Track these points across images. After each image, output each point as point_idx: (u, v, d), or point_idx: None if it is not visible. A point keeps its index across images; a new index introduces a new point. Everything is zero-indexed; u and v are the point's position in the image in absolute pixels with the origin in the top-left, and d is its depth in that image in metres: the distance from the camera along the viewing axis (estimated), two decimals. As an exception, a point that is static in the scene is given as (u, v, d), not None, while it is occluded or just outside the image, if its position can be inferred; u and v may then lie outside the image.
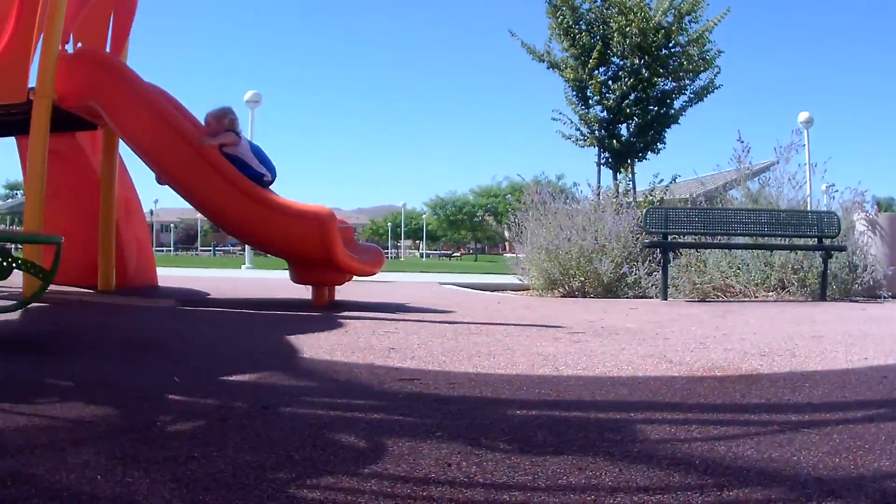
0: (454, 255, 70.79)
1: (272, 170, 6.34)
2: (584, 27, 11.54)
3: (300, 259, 6.10)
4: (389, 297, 7.81)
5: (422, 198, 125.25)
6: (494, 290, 9.61)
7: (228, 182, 5.88)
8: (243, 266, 20.23)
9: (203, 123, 6.31)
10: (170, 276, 10.32)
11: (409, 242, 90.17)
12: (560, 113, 11.85)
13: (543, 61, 11.85)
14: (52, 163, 7.35)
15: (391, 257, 78.93)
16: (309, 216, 5.80)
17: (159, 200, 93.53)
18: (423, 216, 75.54)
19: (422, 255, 67.61)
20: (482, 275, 14.45)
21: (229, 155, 6.07)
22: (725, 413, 2.46)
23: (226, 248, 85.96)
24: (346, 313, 5.52)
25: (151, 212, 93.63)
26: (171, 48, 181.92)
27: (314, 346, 3.80)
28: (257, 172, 6.16)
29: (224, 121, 6.21)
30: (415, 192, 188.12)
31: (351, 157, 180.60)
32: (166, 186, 6.10)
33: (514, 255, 10.13)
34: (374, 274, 6.71)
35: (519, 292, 9.32)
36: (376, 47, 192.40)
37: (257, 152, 6.30)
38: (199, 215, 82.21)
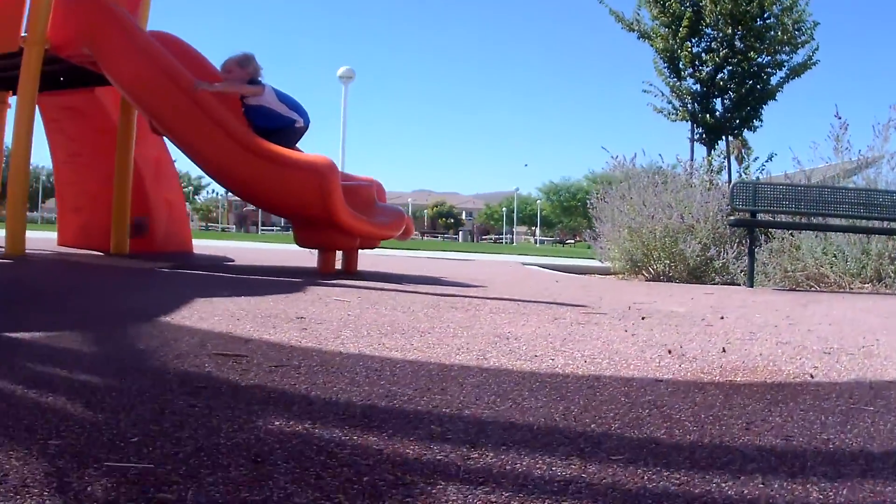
0: (568, 241, 69.32)
1: (304, 115, 5.66)
2: None
3: (301, 218, 5.35)
4: (438, 272, 7.02)
5: (536, 183, 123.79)
6: (581, 273, 8.85)
7: (222, 130, 5.16)
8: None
9: (221, 70, 5.63)
10: (216, 245, 9.83)
11: (524, 228, 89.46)
12: (651, 84, 11.11)
13: (633, 30, 11.11)
14: (71, 120, 6.92)
15: (505, 242, 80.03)
16: (305, 166, 5.00)
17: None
18: (538, 202, 74.67)
19: (536, 242, 66.94)
20: (582, 259, 13.54)
21: (253, 105, 5.45)
22: (673, 472, 1.25)
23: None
24: (345, 282, 4.72)
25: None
26: (268, 29, 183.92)
27: (210, 310, 3.00)
28: (287, 119, 5.52)
29: (248, 68, 5.51)
30: (533, 177, 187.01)
31: (470, 143, 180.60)
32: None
33: (596, 232, 9.29)
34: (390, 237, 5.88)
35: (607, 277, 8.43)
36: (486, 36, 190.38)
37: (285, 99, 5.60)
38: None
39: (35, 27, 5.45)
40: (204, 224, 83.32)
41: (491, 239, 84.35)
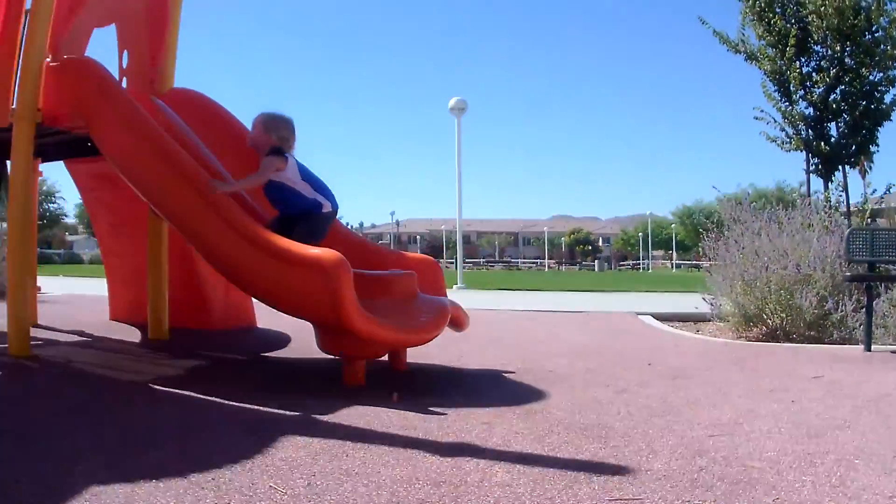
0: (703, 265, 66.61)
1: (332, 199, 4.81)
2: (777, 9, 9.95)
3: (313, 320, 4.50)
4: (521, 347, 6.24)
5: (672, 205, 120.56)
6: (697, 321, 8.63)
7: (221, 220, 4.42)
8: (455, 286, 19.06)
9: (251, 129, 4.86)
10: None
11: (661, 252, 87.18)
12: (762, 111, 10.31)
13: (739, 52, 10.36)
14: (107, 189, 6.49)
15: (642, 268, 78.07)
16: (310, 263, 4.07)
17: (396, 212, 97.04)
18: (672, 226, 72.69)
19: (673, 267, 64.95)
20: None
21: (275, 182, 4.65)
22: None
23: (476, 260, 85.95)
24: (359, 412, 3.62)
25: (397, 223, 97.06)
26: (381, 55, 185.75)
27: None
28: (311, 202, 4.70)
29: (272, 134, 4.70)
30: (666, 199, 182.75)
31: (608, 163, 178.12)
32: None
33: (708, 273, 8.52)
34: (424, 341, 4.71)
35: (715, 337, 7.49)
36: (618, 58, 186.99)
37: (310, 178, 4.78)
38: (444, 226, 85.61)
39: (23, 99, 4.93)
40: None
41: (629, 265, 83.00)
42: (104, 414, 3.59)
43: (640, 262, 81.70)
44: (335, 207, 4.83)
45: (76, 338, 6.23)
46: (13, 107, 4.96)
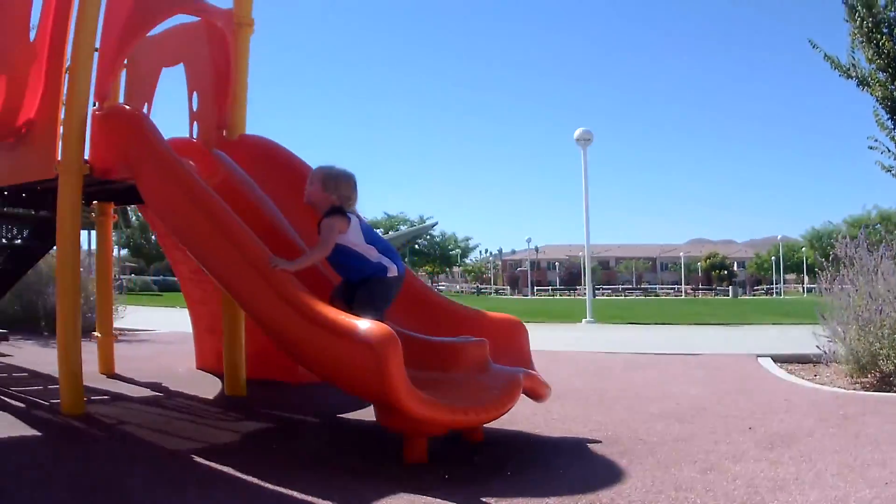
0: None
1: (398, 262, 4.36)
2: (885, 30, 9.15)
3: (363, 397, 4.12)
4: (609, 403, 5.68)
5: (800, 229, 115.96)
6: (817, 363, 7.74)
7: (267, 283, 4.05)
8: (584, 320, 18.34)
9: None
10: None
11: (793, 276, 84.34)
12: (875, 139, 9.55)
13: (851, 77, 9.53)
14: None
15: (775, 293, 75.29)
16: (357, 338, 3.61)
17: (535, 239, 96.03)
18: (802, 249, 70.07)
19: (804, 291, 62.22)
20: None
21: (335, 246, 4.22)
22: None
23: (614, 286, 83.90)
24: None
25: (536, 249, 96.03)
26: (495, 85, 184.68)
27: None
28: (376, 266, 4.26)
29: (331, 194, 4.28)
30: (798, 222, 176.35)
31: (742, 186, 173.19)
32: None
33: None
34: (486, 421, 4.13)
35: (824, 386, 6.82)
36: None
37: (376, 240, 4.38)
38: (582, 252, 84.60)
39: (68, 152, 4.73)
40: (476, 286, 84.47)
41: (762, 290, 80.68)
42: (131, 496, 3.26)
43: (773, 286, 78.99)
44: (401, 272, 4.38)
45: (147, 392, 6.01)
46: (59, 158, 4.77)
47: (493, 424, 4.41)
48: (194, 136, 6.10)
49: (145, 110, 6.57)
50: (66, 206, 4.74)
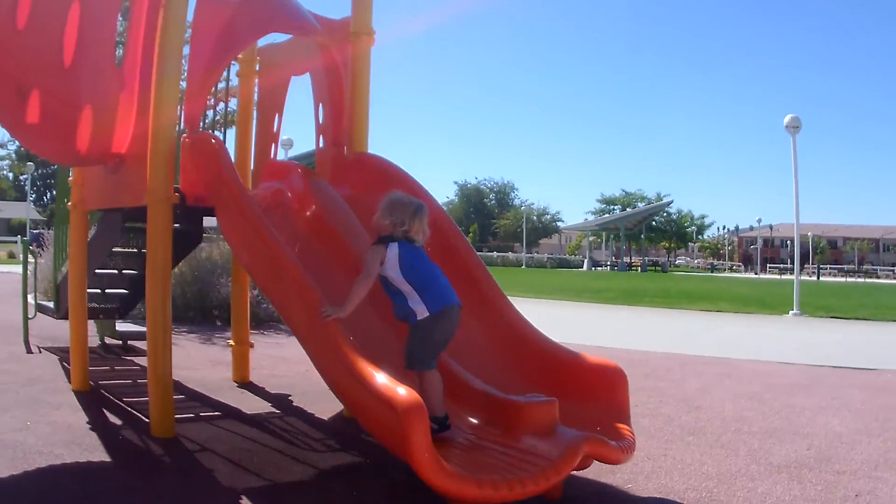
0: None
1: (441, 294, 4.05)
2: None
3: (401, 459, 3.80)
4: (737, 445, 5.14)
5: None
6: None
7: (321, 333, 3.94)
8: (790, 312, 17.20)
9: None
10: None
11: None
12: None
13: None
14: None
15: None
16: (383, 399, 3.41)
17: (769, 217, 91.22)
18: None
19: None
20: None
21: (382, 276, 4.07)
22: None
23: (840, 266, 78.05)
24: None
25: (770, 227, 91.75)
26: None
27: None
28: (407, 310, 4.03)
29: (384, 219, 4.09)
30: None
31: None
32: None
33: None
34: (525, 497, 3.53)
35: None
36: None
37: (419, 271, 4.07)
38: (811, 232, 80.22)
39: (155, 181, 4.76)
40: (710, 263, 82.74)
41: None
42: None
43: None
44: (446, 304, 4.04)
45: (265, 407, 6.02)
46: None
47: (584, 473, 4.12)
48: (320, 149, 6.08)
49: (276, 121, 6.62)
50: (157, 234, 4.80)
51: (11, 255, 35.67)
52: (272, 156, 6.70)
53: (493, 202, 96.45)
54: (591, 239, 71.25)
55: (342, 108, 5.65)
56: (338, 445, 5.04)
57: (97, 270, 6.74)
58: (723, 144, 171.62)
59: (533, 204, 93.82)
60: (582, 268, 62.29)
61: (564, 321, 14.21)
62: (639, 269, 60.34)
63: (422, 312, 3.98)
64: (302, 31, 5.36)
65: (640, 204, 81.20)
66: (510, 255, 69.30)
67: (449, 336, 4.08)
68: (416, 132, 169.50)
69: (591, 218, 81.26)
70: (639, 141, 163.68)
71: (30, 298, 8.68)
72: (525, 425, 3.85)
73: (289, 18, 5.15)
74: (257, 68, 6.82)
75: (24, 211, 60.14)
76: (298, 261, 4.20)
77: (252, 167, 6.75)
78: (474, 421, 4.16)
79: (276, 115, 6.65)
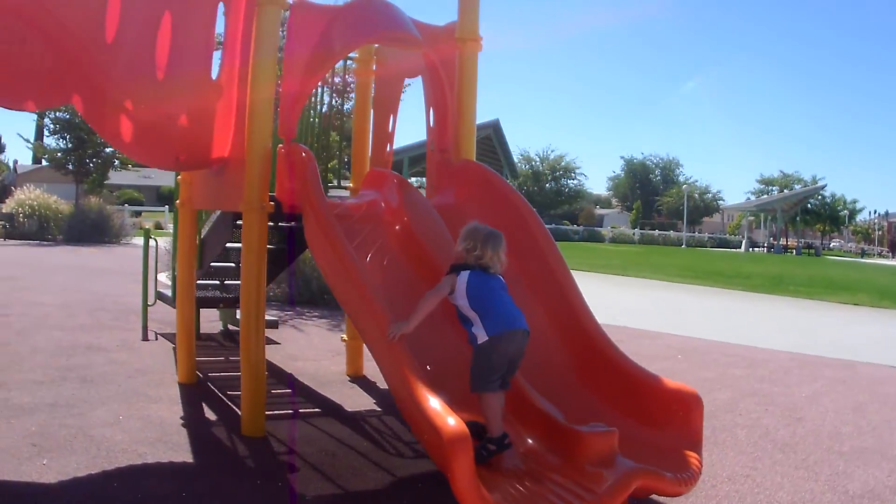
0: None
1: (504, 322, 4.01)
2: None
3: None
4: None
5: None
6: None
7: (389, 351, 3.99)
8: None
9: None
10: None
11: None
12: None
13: None
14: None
15: None
16: (429, 429, 3.47)
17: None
18: None
19: None
20: None
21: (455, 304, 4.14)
22: None
23: None
24: None
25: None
26: None
27: None
28: (470, 336, 4.07)
29: (459, 246, 4.17)
30: None
31: None
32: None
33: None
34: None
35: None
36: None
37: (486, 298, 4.06)
38: None
39: (249, 190, 4.91)
40: (861, 247, 79.20)
41: None
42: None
43: None
44: (506, 328, 4.00)
45: (368, 404, 6.10)
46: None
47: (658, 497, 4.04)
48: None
49: (390, 122, 6.66)
50: (252, 240, 4.94)
51: (158, 226, 36.45)
52: (388, 154, 6.75)
53: (658, 178, 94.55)
54: (749, 220, 68.96)
55: (446, 114, 5.63)
56: (423, 450, 5.05)
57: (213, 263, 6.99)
58: (875, 127, 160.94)
59: (697, 181, 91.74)
60: (740, 248, 60.43)
61: (702, 313, 14.04)
62: (793, 251, 57.76)
63: (482, 336, 4.00)
64: (401, 43, 5.35)
65: (796, 186, 78.58)
66: (671, 233, 67.84)
67: (513, 359, 4.07)
68: (582, 105, 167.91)
69: (751, 198, 79.31)
70: (797, 121, 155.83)
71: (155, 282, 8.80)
72: (583, 456, 3.80)
73: (387, 29, 5.15)
74: (374, 67, 6.87)
75: (172, 178, 61.92)
76: (370, 279, 4.23)
77: (368, 167, 6.83)
78: (533, 444, 4.13)
79: (391, 116, 6.69)
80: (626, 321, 11.55)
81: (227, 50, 5.12)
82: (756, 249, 60.33)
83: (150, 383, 6.26)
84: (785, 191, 75.91)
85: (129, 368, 6.75)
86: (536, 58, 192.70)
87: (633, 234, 64.83)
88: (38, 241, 24.14)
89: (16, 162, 67.22)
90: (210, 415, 5.58)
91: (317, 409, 5.91)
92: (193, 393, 6.10)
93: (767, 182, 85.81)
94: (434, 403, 3.53)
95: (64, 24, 4.48)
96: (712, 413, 6.08)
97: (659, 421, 4.14)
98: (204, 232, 7.18)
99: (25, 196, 26.39)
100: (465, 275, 4.06)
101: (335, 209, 4.90)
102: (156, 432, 5.00)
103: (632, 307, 14.20)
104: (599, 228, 66.57)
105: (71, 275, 14.28)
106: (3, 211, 26.75)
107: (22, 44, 4.46)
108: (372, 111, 6.89)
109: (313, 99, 7.45)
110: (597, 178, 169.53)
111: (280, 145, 5.04)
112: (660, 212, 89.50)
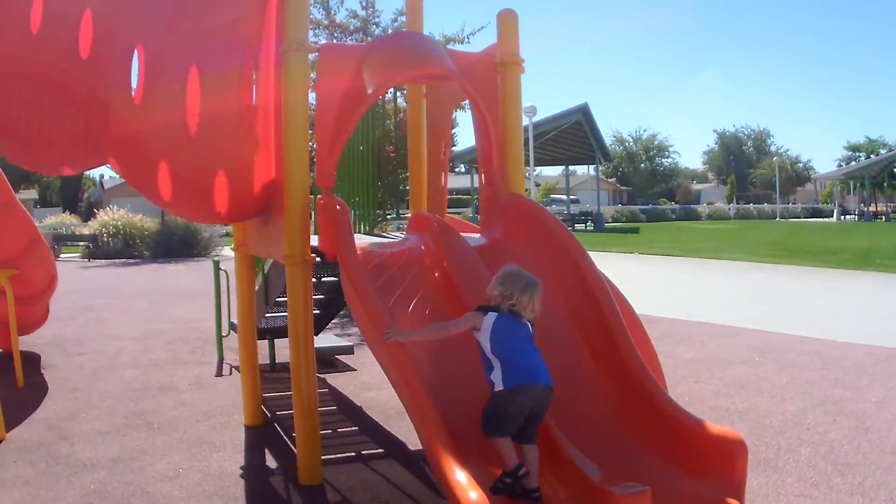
0: None
1: (523, 374, 3.83)
2: None
3: None
4: None
5: None
6: None
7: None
8: None
9: None
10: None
11: None
12: None
13: None
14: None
15: None
16: (455, 497, 3.34)
17: None
18: None
19: None
20: None
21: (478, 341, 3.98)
22: None
23: None
24: None
25: None
26: None
27: None
28: (488, 379, 3.90)
29: (493, 289, 4.01)
30: None
31: None
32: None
33: None
34: None
35: None
36: None
37: (511, 344, 3.89)
38: None
39: (291, 245, 4.86)
40: None
41: None
42: None
43: None
44: (524, 382, 3.81)
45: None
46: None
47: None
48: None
49: (443, 149, 6.54)
50: (297, 293, 4.87)
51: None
52: (442, 185, 6.64)
53: (750, 149, 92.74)
54: (838, 188, 66.90)
55: (490, 147, 5.41)
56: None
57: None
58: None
59: (788, 150, 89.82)
60: (832, 217, 58.85)
61: (786, 298, 13.69)
62: (882, 218, 55.64)
63: (498, 385, 3.84)
64: (436, 78, 5.21)
65: (882, 151, 76.03)
66: (766, 206, 66.57)
67: (534, 413, 3.87)
68: (672, 80, 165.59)
69: (842, 165, 77.32)
70: (885, 84, 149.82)
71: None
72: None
73: (420, 66, 5.00)
74: (424, 90, 6.75)
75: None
76: (398, 338, 4.04)
77: (425, 195, 6.74)
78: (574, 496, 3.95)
79: (444, 144, 6.56)
80: (708, 315, 11.39)
81: (261, 100, 5.06)
82: (847, 217, 58.51)
83: (215, 427, 6.27)
84: (872, 156, 73.55)
85: (198, 411, 6.78)
86: (621, 37, 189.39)
87: (729, 209, 63.65)
88: (124, 260, 24.63)
89: (101, 177, 69.09)
90: (272, 461, 5.54)
91: (380, 450, 5.82)
92: (259, 436, 6.08)
93: (854, 148, 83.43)
94: (459, 476, 3.40)
95: (94, 92, 4.51)
96: (780, 429, 5.98)
97: (701, 468, 3.90)
98: (267, 267, 7.16)
99: (109, 217, 27.03)
100: (492, 316, 3.90)
101: (376, 259, 4.81)
102: (213, 485, 4.99)
103: (716, 296, 13.97)
104: (696, 206, 65.40)
105: (153, 299, 14.50)
106: (87, 232, 27.42)
107: (55, 114, 4.51)
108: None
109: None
110: (692, 153, 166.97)
111: (319, 196, 4.95)
112: (755, 184, 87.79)
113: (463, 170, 49.41)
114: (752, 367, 8.23)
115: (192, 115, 4.70)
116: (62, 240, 27.48)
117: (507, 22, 5.54)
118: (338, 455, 5.55)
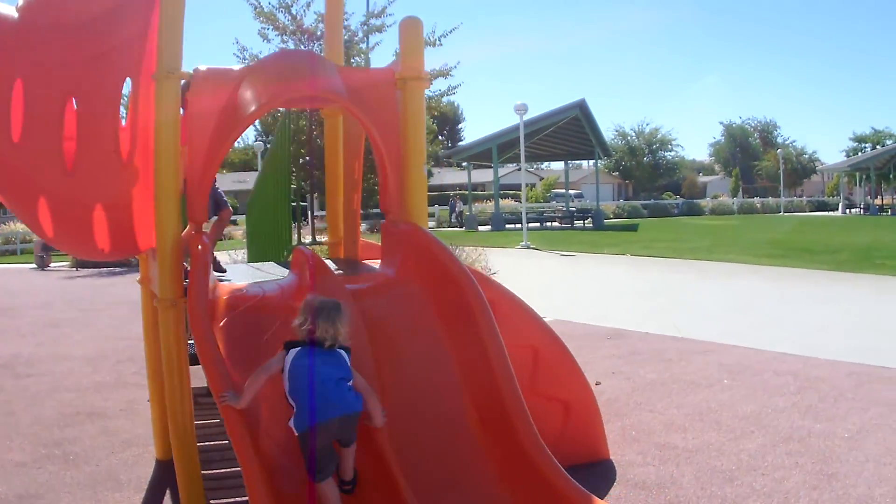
0: None
1: (311, 416, 3.67)
2: None
3: None
4: None
5: None
6: None
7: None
8: None
9: None
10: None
11: None
12: None
13: None
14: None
15: None
16: None
17: None
18: None
19: None
20: None
21: None
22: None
23: None
24: None
25: None
26: None
27: None
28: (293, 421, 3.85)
29: (294, 323, 3.88)
30: None
31: None
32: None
33: None
34: None
35: None
36: None
37: (302, 382, 3.76)
38: None
39: (162, 287, 4.60)
40: None
41: None
42: None
43: None
44: (311, 424, 3.63)
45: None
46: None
47: None
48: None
49: (356, 168, 6.33)
50: (169, 339, 4.63)
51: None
52: (355, 206, 6.42)
53: (756, 141, 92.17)
54: (844, 180, 66.18)
55: (385, 171, 5.14)
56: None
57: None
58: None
59: (794, 142, 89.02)
60: (837, 210, 58.22)
61: (774, 308, 13.15)
62: (889, 211, 54.95)
63: (295, 431, 3.72)
64: (320, 102, 4.95)
65: (888, 142, 75.22)
66: (770, 200, 65.97)
67: (337, 437, 3.76)
68: (677, 72, 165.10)
69: (848, 157, 76.51)
70: (892, 74, 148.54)
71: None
72: None
73: (292, 87, 4.74)
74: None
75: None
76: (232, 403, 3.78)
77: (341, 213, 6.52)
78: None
79: (357, 164, 6.32)
80: (686, 327, 10.87)
81: (140, 132, 4.82)
82: (853, 211, 57.80)
83: (127, 461, 6.03)
84: (877, 147, 72.70)
85: (117, 441, 6.54)
86: (622, 30, 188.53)
87: (732, 203, 62.94)
88: (110, 269, 24.32)
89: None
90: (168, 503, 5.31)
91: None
92: (166, 473, 5.70)
93: (860, 139, 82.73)
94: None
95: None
96: (730, 475, 5.32)
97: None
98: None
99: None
100: (292, 353, 3.74)
101: (250, 301, 4.53)
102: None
103: (699, 306, 13.46)
104: (699, 200, 64.70)
105: (118, 313, 14.15)
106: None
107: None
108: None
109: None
110: (698, 145, 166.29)
111: (185, 230, 4.69)
112: (761, 175, 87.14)
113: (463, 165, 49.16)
114: (718, 391, 7.61)
115: (69, 151, 4.51)
116: (50, 249, 27.20)
117: (409, 32, 5.19)
118: (229, 500, 5.27)
